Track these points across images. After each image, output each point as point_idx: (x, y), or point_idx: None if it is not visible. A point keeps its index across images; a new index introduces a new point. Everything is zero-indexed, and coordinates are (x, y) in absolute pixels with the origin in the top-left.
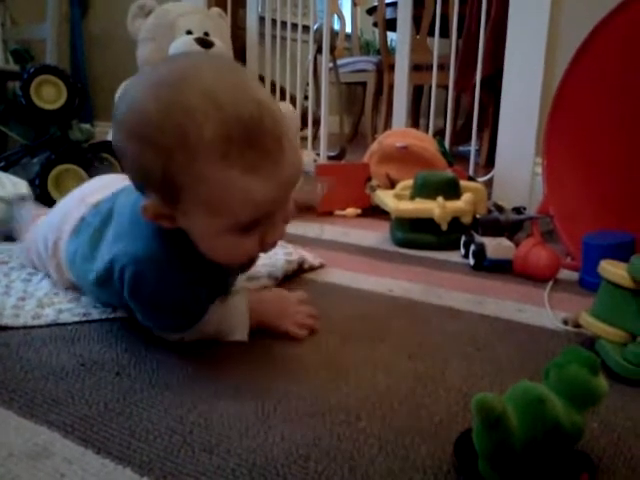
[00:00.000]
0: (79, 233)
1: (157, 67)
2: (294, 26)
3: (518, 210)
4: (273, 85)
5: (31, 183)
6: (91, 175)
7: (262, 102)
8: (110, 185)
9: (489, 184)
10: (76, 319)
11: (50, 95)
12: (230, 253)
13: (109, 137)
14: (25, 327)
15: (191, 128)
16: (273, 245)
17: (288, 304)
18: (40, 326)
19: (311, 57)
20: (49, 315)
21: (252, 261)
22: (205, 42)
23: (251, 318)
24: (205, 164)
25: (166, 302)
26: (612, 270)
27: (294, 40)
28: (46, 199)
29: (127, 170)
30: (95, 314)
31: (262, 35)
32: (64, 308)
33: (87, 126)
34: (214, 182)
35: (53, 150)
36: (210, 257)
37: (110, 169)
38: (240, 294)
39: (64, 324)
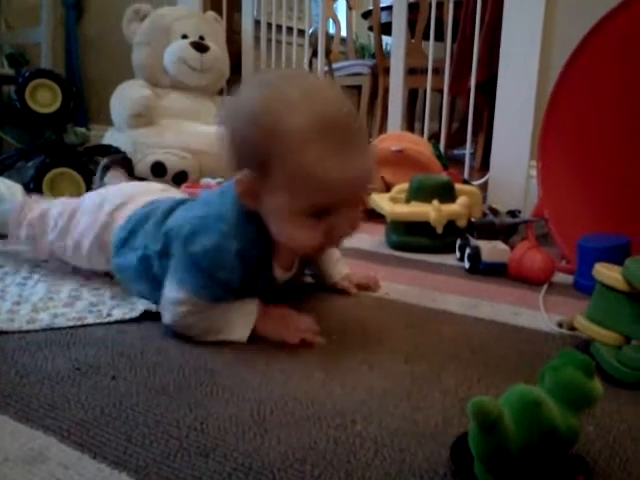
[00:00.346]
0: (151, 206)
1: (269, 72)
2: (289, 30)
3: (513, 213)
4: None
5: (26, 187)
6: (86, 179)
7: (349, 111)
8: (170, 190)
9: (484, 187)
10: (71, 324)
11: (45, 99)
12: (297, 236)
13: (104, 141)
14: (20, 332)
15: (287, 116)
16: (338, 240)
17: (291, 321)
18: (35, 330)
19: (306, 60)
20: (44, 320)
21: (307, 259)
22: (201, 46)
23: (255, 324)
24: (291, 146)
25: (209, 261)
26: (607, 273)
27: (289, 44)
28: None
29: (231, 147)
30: (90, 318)
31: (257, 39)
32: (59, 312)
33: (82, 130)
34: (294, 163)
35: (48, 154)
36: (279, 237)
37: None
38: (251, 300)
39: (59, 328)
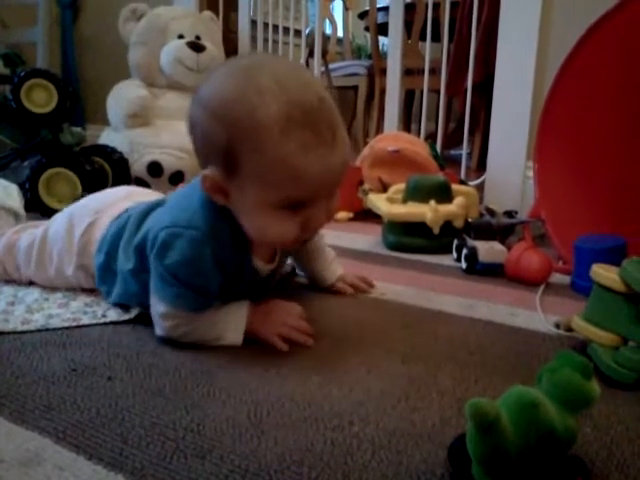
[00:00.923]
0: (120, 219)
1: (238, 58)
2: (286, 30)
3: (510, 214)
4: None
5: (21, 187)
6: (82, 179)
7: (323, 96)
8: (149, 194)
9: (481, 188)
10: (66, 324)
11: (41, 99)
12: (271, 230)
13: (101, 140)
14: (15, 332)
15: (259, 104)
16: (313, 232)
17: (278, 315)
18: (30, 331)
19: (303, 61)
20: (38, 320)
21: (285, 254)
22: (197, 46)
23: (247, 325)
24: (266, 137)
25: (185, 272)
26: (604, 274)
27: (286, 44)
28: (37, 203)
29: (196, 142)
30: (85, 319)
31: (254, 39)
32: (53, 313)
33: (78, 129)
34: (271, 154)
35: (44, 154)
36: (252, 233)
37: (103, 173)
38: (241, 302)
39: (54, 329)
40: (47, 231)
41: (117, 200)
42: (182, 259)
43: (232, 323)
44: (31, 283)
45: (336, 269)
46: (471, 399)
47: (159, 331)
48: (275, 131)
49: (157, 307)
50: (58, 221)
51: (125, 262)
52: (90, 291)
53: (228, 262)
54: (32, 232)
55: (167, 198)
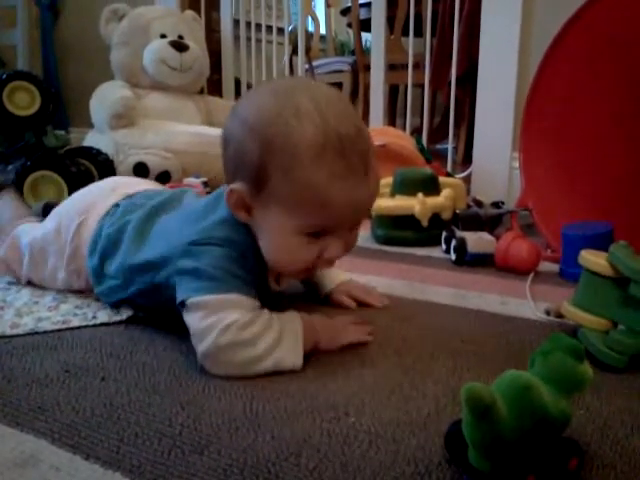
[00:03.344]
0: (113, 216)
1: (280, 79)
2: (269, 28)
3: (497, 204)
4: (249, 87)
5: None
6: (68, 181)
7: (361, 128)
8: (136, 183)
9: (467, 180)
10: (55, 327)
11: (23, 101)
12: (289, 256)
13: (85, 143)
14: (3, 336)
15: (297, 127)
16: (330, 262)
17: (339, 328)
18: (19, 335)
19: (286, 58)
20: (27, 324)
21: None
22: (180, 45)
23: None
24: (298, 161)
25: (222, 263)
26: (593, 259)
27: (269, 42)
28: None
29: (228, 155)
30: (75, 321)
31: (237, 37)
32: (43, 316)
33: (62, 132)
34: (300, 179)
35: (28, 157)
36: (268, 254)
37: (89, 174)
38: (293, 316)
39: (45, 332)
40: (41, 233)
41: (102, 197)
42: (216, 257)
43: (288, 348)
44: (29, 283)
45: (337, 275)
46: (466, 384)
47: (204, 347)
48: (308, 156)
49: (202, 320)
50: (48, 224)
51: (129, 258)
52: (80, 292)
53: (253, 276)
54: (30, 229)
55: (172, 197)
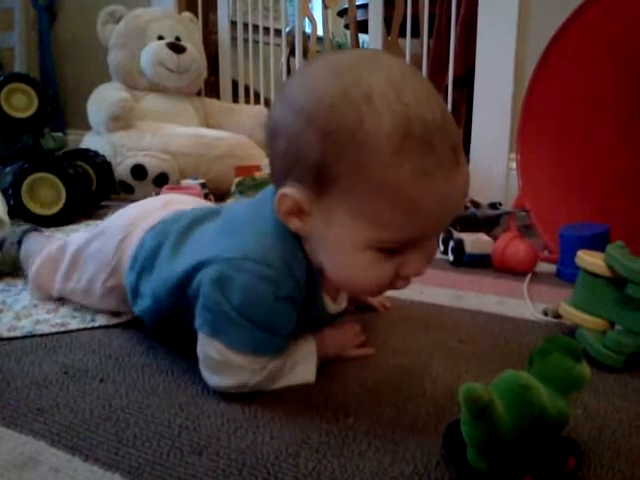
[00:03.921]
0: (157, 230)
1: (340, 52)
2: (266, 30)
3: (494, 205)
4: (247, 89)
5: (4, 193)
6: (66, 183)
7: (445, 111)
8: (190, 201)
9: None
10: (53, 330)
11: (21, 103)
12: (358, 274)
13: (83, 145)
14: (1, 339)
15: (369, 113)
16: (406, 282)
17: (345, 342)
18: (17, 338)
19: (284, 59)
20: (25, 327)
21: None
22: (177, 47)
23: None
24: (374, 155)
25: (260, 311)
26: (590, 260)
27: (267, 44)
28: (20, 209)
29: (276, 152)
30: (73, 324)
31: (234, 39)
32: (41, 319)
33: (59, 134)
34: (378, 178)
35: (26, 159)
36: (335, 277)
37: (87, 177)
38: (308, 340)
39: (43, 335)
40: (86, 243)
41: (152, 210)
42: (255, 299)
43: (303, 362)
44: (60, 299)
45: None
46: (464, 384)
47: (217, 382)
48: (387, 149)
49: (223, 355)
50: (96, 236)
51: (163, 273)
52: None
53: (301, 299)
54: (78, 240)
55: (216, 209)
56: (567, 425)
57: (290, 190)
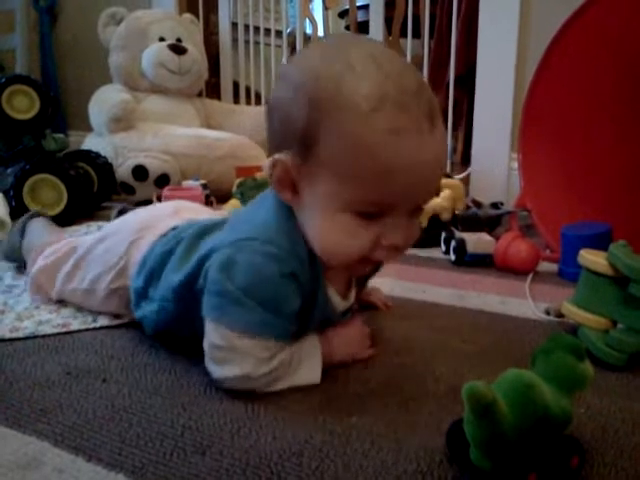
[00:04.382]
0: (169, 237)
1: (331, 35)
2: (267, 31)
3: (496, 205)
4: (248, 90)
5: (6, 194)
6: (68, 185)
7: (423, 82)
8: (200, 209)
9: (466, 181)
10: (55, 331)
11: (22, 105)
12: (337, 239)
13: (84, 146)
14: (2, 340)
15: (349, 78)
16: (386, 254)
17: (354, 344)
18: (19, 339)
19: (285, 60)
20: (27, 328)
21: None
22: (178, 48)
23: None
24: (351, 115)
25: (265, 292)
26: (592, 259)
27: (267, 45)
28: (22, 210)
29: (271, 127)
30: (75, 325)
31: (235, 40)
32: (43, 320)
33: (61, 136)
34: (355, 136)
35: (27, 160)
36: (317, 242)
37: (88, 178)
38: (312, 341)
39: (45, 335)
40: (92, 245)
41: (163, 217)
42: (260, 277)
43: (307, 359)
44: (60, 302)
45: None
46: (467, 383)
47: (221, 373)
48: (363, 109)
49: (226, 340)
50: (102, 239)
51: (172, 276)
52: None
53: (304, 287)
54: (85, 243)
55: (226, 219)
56: (571, 424)
57: (279, 156)
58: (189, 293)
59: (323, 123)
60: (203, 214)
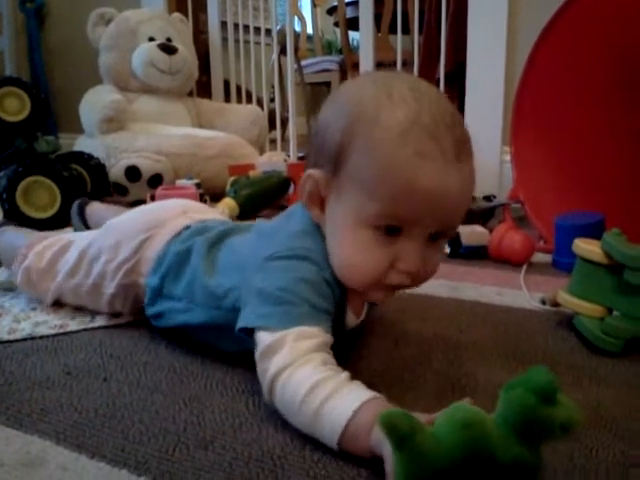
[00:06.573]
0: (183, 237)
1: (379, 70)
2: (257, 30)
3: (488, 198)
4: (239, 88)
5: None
6: (61, 186)
7: (457, 115)
8: (206, 210)
9: None
10: (53, 332)
11: (13, 107)
12: (358, 255)
13: (76, 147)
14: (1, 342)
15: (387, 104)
16: (402, 278)
17: None
18: (17, 340)
19: (275, 57)
20: (25, 329)
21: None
22: (169, 48)
23: None
24: (382, 135)
25: (306, 289)
26: (586, 247)
27: (257, 43)
28: (15, 212)
29: (314, 141)
30: (73, 325)
31: (225, 39)
32: (40, 321)
33: (52, 138)
34: (381, 155)
35: (20, 162)
36: (337, 259)
37: (81, 179)
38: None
39: (43, 336)
40: (93, 242)
41: (174, 216)
42: (297, 273)
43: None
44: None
45: None
46: (384, 411)
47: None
48: (394, 131)
49: (260, 344)
50: (104, 237)
51: (205, 279)
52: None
53: (335, 298)
54: (85, 239)
55: (246, 227)
56: (534, 475)
57: (312, 171)
58: (216, 306)
59: (355, 141)
60: (210, 214)
